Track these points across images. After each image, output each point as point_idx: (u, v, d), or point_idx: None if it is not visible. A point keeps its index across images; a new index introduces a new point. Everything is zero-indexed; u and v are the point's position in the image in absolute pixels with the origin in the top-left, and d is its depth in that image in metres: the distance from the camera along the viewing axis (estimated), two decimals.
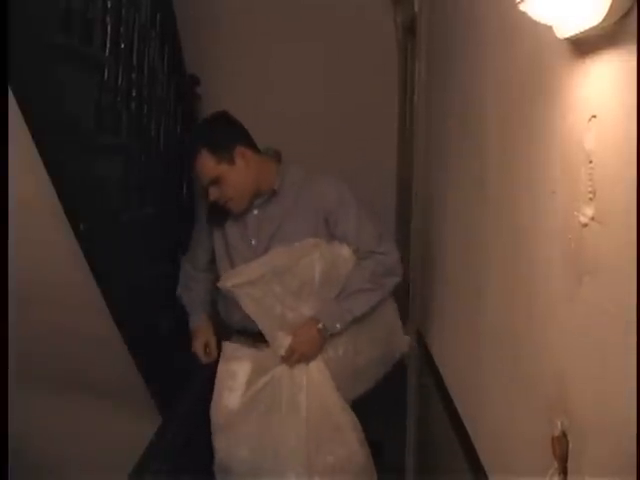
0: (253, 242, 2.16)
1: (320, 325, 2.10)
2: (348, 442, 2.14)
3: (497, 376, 1.48)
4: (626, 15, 0.82)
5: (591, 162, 0.93)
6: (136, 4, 2.43)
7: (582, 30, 0.90)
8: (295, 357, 2.10)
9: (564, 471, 1.02)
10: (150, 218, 2.62)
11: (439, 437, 2.18)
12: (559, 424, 1.04)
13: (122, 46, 2.27)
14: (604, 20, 0.84)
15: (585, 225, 0.95)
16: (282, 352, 2.09)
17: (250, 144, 2.14)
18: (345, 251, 2.14)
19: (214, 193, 2.09)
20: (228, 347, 2.24)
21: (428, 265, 2.47)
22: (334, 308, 2.13)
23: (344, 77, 3.55)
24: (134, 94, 2.42)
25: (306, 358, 2.11)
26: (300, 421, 2.08)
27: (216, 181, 2.07)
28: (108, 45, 2.16)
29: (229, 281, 2.11)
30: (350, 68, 3.53)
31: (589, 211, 0.93)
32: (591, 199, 0.93)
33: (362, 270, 2.15)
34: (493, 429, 1.51)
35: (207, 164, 2.06)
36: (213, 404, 2.19)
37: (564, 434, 1.02)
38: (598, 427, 0.93)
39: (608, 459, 0.90)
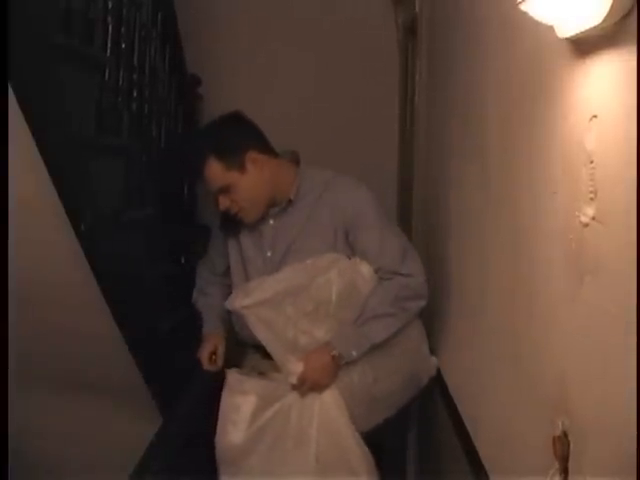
0: (269, 254, 2.00)
1: (335, 352, 1.89)
2: None
3: (498, 376, 1.48)
4: (626, 15, 0.82)
5: (592, 162, 0.93)
6: (137, 4, 2.43)
7: (583, 30, 0.90)
8: (307, 386, 1.91)
9: (565, 471, 1.02)
10: (150, 218, 2.62)
11: (440, 437, 2.18)
12: (560, 424, 1.04)
13: (123, 46, 2.27)
14: (605, 20, 0.84)
15: (586, 225, 0.95)
16: (293, 380, 1.90)
17: (264, 148, 1.97)
18: (365, 269, 1.94)
19: (224, 202, 1.93)
20: (232, 378, 2.05)
21: (429, 265, 2.47)
22: (351, 333, 1.92)
23: (345, 77, 3.55)
24: (135, 94, 2.42)
25: (318, 387, 1.91)
26: (309, 456, 1.90)
27: (226, 190, 1.91)
28: (109, 45, 2.16)
29: (237, 302, 1.92)
30: (351, 68, 3.53)
31: (590, 211, 0.93)
32: (592, 199, 0.93)
33: (384, 292, 1.93)
34: (494, 429, 1.51)
35: (215, 172, 1.89)
36: (217, 438, 2.01)
37: (565, 434, 1.02)
38: (599, 427, 0.93)
39: (609, 459, 0.90)
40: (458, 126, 1.99)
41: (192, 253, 2.83)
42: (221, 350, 2.13)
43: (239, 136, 1.95)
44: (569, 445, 1.01)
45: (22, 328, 1.94)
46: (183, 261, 3.04)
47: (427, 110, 2.67)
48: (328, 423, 1.92)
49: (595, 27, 0.86)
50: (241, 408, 1.97)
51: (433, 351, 2.31)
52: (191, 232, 3.15)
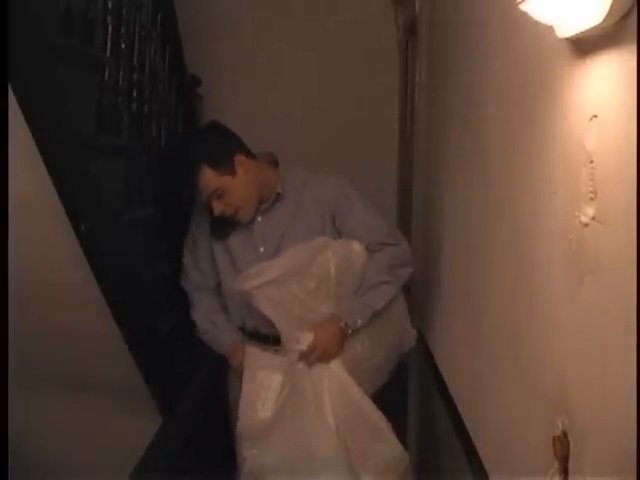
0: (261, 249, 2.14)
1: (342, 323, 2.08)
2: (392, 441, 2.10)
3: (498, 376, 1.48)
4: (626, 15, 0.82)
5: (592, 162, 0.93)
6: (137, 4, 2.42)
7: (583, 30, 0.90)
8: (316, 355, 2.06)
9: (565, 471, 1.02)
10: (150, 218, 2.62)
11: (440, 437, 2.18)
12: (560, 424, 1.04)
13: (123, 46, 2.26)
14: (605, 20, 0.84)
15: (586, 225, 0.95)
16: (303, 347, 2.04)
17: (247, 151, 2.12)
18: (357, 246, 2.13)
19: (218, 207, 2.07)
20: (253, 355, 2.17)
21: (429, 265, 2.47)
22: (354, 304, 2.11)
23: (345, 77, 3.55)
24: (135, 94, 2.42)
25: (328, 357, 2.08)
26: (328, 423, 2.03)
27: (220, 194, 2.05)
28: (109, 45, 2.16)
29: (247, 283, 2.05)
30: (351, 68, 3.53)
31: (590, 211, 0.93)
32: (592, 199, 0.93)
33: (377, 263, 2.13)
34: (494, 429, 1.51)
35: (209, 179, 2.03)
36: (243, 414, 2.12)
37: (565, 434, 1.02)
38: (599, 427, 0.93)
39: (609, 459, 0.90)
40: (458, 126, 1.99)
41: None
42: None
43: (226, 142, 2.10)
44: (569, 445, 1.01)
45: (22, 328, 1.94)
46: (183, 261, 3.03)
47: (427, 110, 2.67)
48: (340, 391, 2.05)
49: (595, 27, 0.86)
50: (270, 385, 2.10)
51: (433, 350, 2.32)
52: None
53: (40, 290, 2.14)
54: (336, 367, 2.08)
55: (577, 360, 1.00)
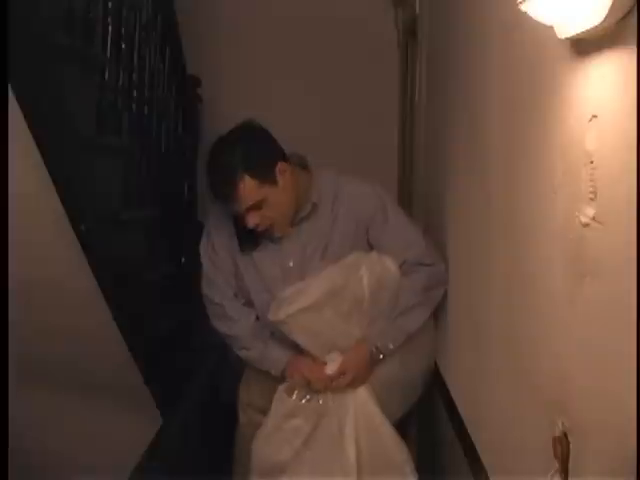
0: (290, 264, 1.97)
1: (373, 347, 1.94)
2: (406, 473, 1.96)
3: (498, 376, 1.48)
4: (626, 15, 0.82)
5: (592, 162, 0.93)
6: (137, 5, 2.43)
7: (583, 30, 0.90)
8: (345, 379, 1.93)
9: (565, 471, 1.02)
10: (150, 218, 2.62)
11: (440, 437, 2.18)
12: (560, 424, 1.04)
13: (123, 46, 2.27)
14: (605, 20, 0.84)
15: (586, 225, 0.95)
16: (331, 370, 1.93)
17: (286, 157, 1.93)
18: (391, 264, 1.96)
19: (254, 219, 1.87)
20: (286, 404, 2.01)
21: None
22: (386, 327, 1.96)
23: (345, 77, 3.55)
24: (135, 95, 2.42)
25: (355, 380, 1.94)
26: (349, 456, 1.89)
27: (258, 206, 1.86)
28: (109, 45, 2.16)
29: (282, 312, 1.89)
30: (351, 68, 3.53)
31: (590, 211, 0.93)
32: (592, 199, 0.93)
33: (413, 285, 1.97)
34: (494, 429, 1.51)
35: (250, 189, 1.83)
36: (260, 452, 1.99)
37: (565, 434, 1.02)
38: (599, 427, 0.93)
39: (609, 459, 0.90)
40: (458, 126, 1.99)
41: (192, 253, 2.83)
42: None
43: (267, 149, 1.92)
44: (569, 445, 1.01)
45: (22, 328, 1.94)
46: (183, 261, 3.04)
47: (427, 110, 2.67)
48: (366, 420, 1.94)
49: (595, 27, 0.86)
50: (298, 432, 1.97)
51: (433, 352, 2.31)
52: (191, 232, 3.15)
53: (40, 290, 2.14)
54: (364, 392, 1.96)
55: (577, 360, 1.00)
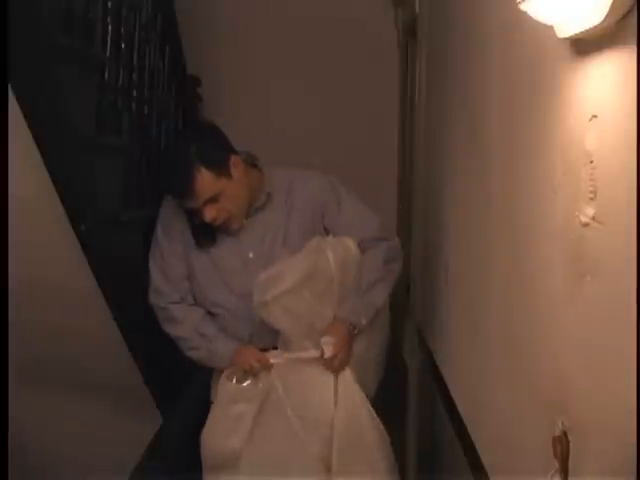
0: (250, 255, 2.01)
1: (348, 325, 2.00)
2: (376, 466, 1.98)
3: (498, 376, 1.48)
4: (626, 15, 0.82)
5: (592, 162, 0.93)
6: (137, 4, 2.43)
7: (583, 30, 0.90)
8: (338, 360, 1.96)
9: (565, 471, 1.02)
10: (150, 218, 2.61)
11: (440, 437, 2.18)
12: (560, 424, 1.04)
13: (123, 46, 2.26)
14: (605, 20, 0.84)
15: (586, 225, 0.95)
16: (329, 353, 1.94)
17: (236, 152, 2.00)
18: (350, 243, 2.02)
19: (211, 213, 1.91)
20: (227, 389, 2.01)
21: (429, 265, 2.47)
22: (357, 304, 2.02)
23: (345, 77, 3.55)
24: (135, 94, 2.42)
25: (343, 362, 1.98)
26: (325, 435, 1.93)
27: (215, 199, 1.90)
28: (109, 45, 2.16)
29: (267, 294, 1.91)
30: (351, 68, 3.53)
31: (590, 211, 0.93)
32: (592, 199, 0.93)
33: (374, 260, 2.05)
34: (494, 429, 1.51)
35: (206, 182, 1.88)
36: (214, 444, 2.00)
37: (565, 434, 1.02)
38: (599, 427, 0.93)
39: (609, 459, 0.90)
40: (458, 126, 1.99)
41: None
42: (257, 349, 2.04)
43: (221, 143, 1.97)
44: (569, 445, 1.01)
45: (22, 328, 1.94)
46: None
47: (427, 110, 2.67)
48: (350, 403, 1.97)
49: (595, 27, 0.86)
50: (243, 417, 1.97)
51: (433, 350, 2.32)
52: None
53: (40, 290, 2.14)
54: (349, 376, 1.99)
55: (577, 360, 1.00)
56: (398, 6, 3.43)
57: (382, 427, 2.03)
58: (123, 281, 2.17)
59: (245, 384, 2.00)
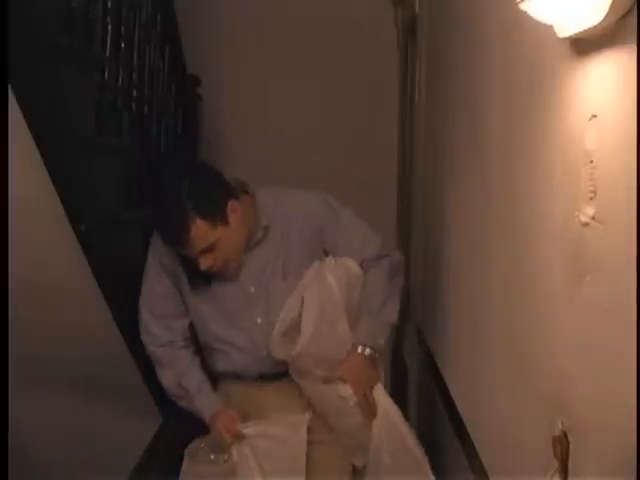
0: (252, 289, 1.91)
1: (367, 350, 1.90)
2: (427, 473, 1.92)
3: (498, 375, 1.48)
4: (626, 15, 0.82)
5: (592, 162, 0.93)
6: (137, 4, 2.43)
7: (582, 30, 0.90)
8: (364, 398, 1.88)
9: (565, 471, 1.02)
10: (150, 218, 2.61)
11: (440, 437, 2.18)
12: (559, 424, 1.04)
13: (123, 46, 2.26)
14: (604, 19, 0.84)
15: (586, 225, 0.95)
16: (352, 402, 1.87)
17: (234, 193, 1.86)
18: (351, 263, 1.93)
19: (207, 261, 1.81)
20: (189, 467, 1.93)
21: (429, 265, 2.47)
22: (372, 326, 1.94)
23: (344, 77, 3.55)
24: (135, 94, 2.42)
25: (365, 385, 1.90)
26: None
27: (211, 248, 1.80)
28: (109, 45, 2.16)
29: (292, 350, 1.82)
30: (350, 68, 3.53)
31: (590, 210, 0.93)
32: (592, 198, 0.93)
33: (380, 278, 1.96)
34: (494, 429, 1.51)
35: (202, 233, 1.77)
36: None
37: (565, 434, 1.02)
38: (599, 427, 0.93)
39: (609, 459, 0.90)
40: (458, 125, 1.99)
41: None
42: (236, 417, 1.96)
43: (217, 189, 1.84)
44: (569, 445, 1.01)
45: (22, 328, 1.94)
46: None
47: (427, 110, 2.67)
48: (388, 418, 1.91)
49: (595, 26, 0.86)
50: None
51: (433, 350, 2.32)
52: None
53: (40, 290, 2.14)
54: (385, 399, 1.93)
55: (577, 360, 1.00)
56: (398, 5, 3.43)
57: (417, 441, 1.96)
58: (123, 281, 2.17)
59: (212, 456, 1.93)
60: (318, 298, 1.86)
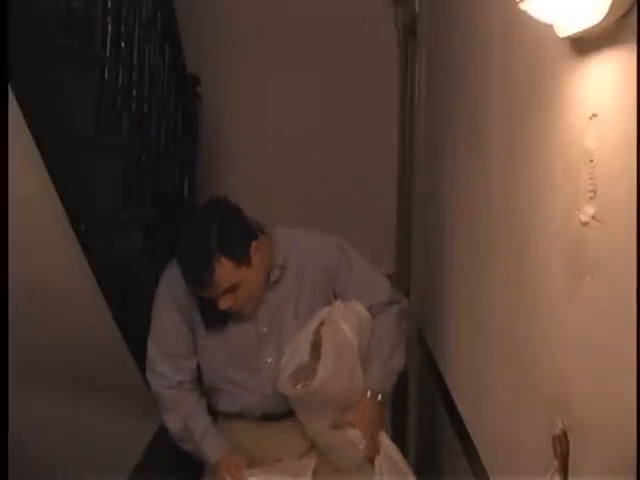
0: (265, 330, 1.89)
1: (376, 395, 1.92)
2: None
3: (498, 375, 1.48)
4: (626, 14, 0.82)
5: (592, 161, 0.93)
6: (136, 4, 2.43)
7: (582, 29, 0.90)
8: (372, 441, 1.89)
9: (565, 471, 1.02)
10: (150, 218, 2.62)
11: (440, 437, 2.18)
12: (559, 423, 1.04)
13: (122, 45, 2.27)
14: (604, 19, 0.84)
15: (586, 224, 0.95)
16: (362, 446, 1.87)
17: (255, 233, 1.84)
18: (360, 308, 1.92)
19: (227, 302, 1.78)
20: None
21: (429, 265, 2.47)
22: (382, 372, 1.95)
23: (344, 77, 3.55)
24: (134, 94, 2.42)
25: (378, 432, 1.92)
26: None
27: (234, 288, 1.77)
28: (108, 45, 2.16)
29: (310, 386, 1.80)
30: (350, 68, 3.53)
31: (590, 210, 0.93)
32: (592, 198, 0.93)
33: (390, 325, 1.97)
34: (494, 429, 1.51)
35: (226, 274, 1.74)
36: None
37: (565, 433, 1.02)
38: (599, 426, 0.93)
39: (609, 458, 0.90)
40: (458, 125, 1.99)
41: None
42: (241, 462, 1.91)
43: (242, 229, 1.81)
44: (569, 445, 1.01)
45: (22, 328, 1.94)
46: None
47: (427, 109, 2.67)
48: (392, 464, 1.91)
49: (595, 26, 0.86)
50: None
51: (433, 350, 2.32)
52: None
53: (40, 290, 2.14)
54: (386, 441, 1.94)
55: (577, 359, 1.00)
56: (398, 5, 3.43)
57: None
58: (123, 281, 2.17)
59: None
60: (334, 340, 1.85)
